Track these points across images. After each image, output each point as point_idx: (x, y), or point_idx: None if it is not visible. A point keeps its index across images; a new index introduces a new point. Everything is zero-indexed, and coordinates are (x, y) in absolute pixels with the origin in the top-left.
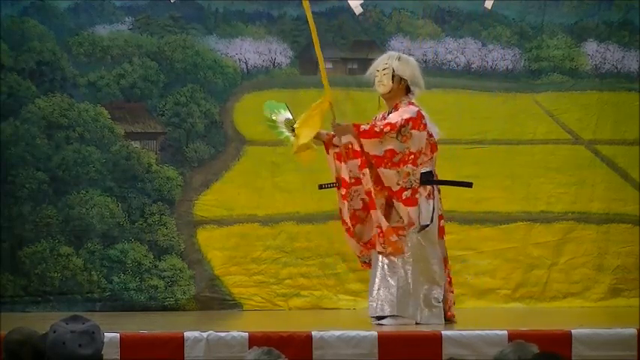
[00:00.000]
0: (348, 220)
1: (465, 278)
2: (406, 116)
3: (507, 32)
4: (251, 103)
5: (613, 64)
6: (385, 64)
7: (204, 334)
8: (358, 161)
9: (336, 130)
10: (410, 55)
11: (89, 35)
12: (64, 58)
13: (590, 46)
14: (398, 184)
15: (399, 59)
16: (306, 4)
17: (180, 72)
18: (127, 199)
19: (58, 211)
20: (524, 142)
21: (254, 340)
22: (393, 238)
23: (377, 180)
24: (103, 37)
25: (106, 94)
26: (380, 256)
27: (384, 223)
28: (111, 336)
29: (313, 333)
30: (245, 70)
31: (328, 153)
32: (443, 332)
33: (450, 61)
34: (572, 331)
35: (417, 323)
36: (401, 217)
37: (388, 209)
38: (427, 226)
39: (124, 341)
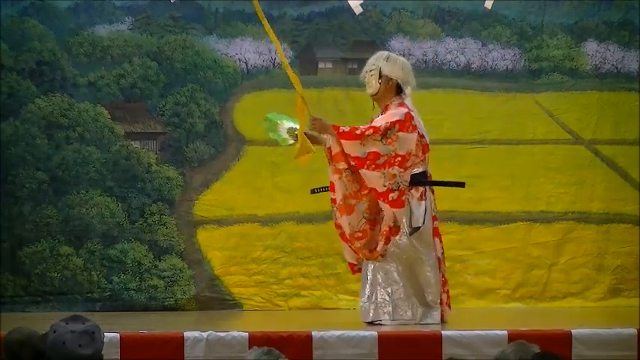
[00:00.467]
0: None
1: (464, 278)
2: (392, 119)
3: (507, 32)
4: (251, 103)
5: (613, 64)
6: (372, 65)
7: (204, 334)
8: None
9: (314, 125)
10: (410, 55)
11: (89, 35)
12: (64, 58)
13: (590, 46)
14: (384, 186)
15: (386, 59)
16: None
17: (180, 72)
18: (127, 199)
19: (58, 211)
20: (524, 142)
21: (254, 340)
22: (357, 244)
23: (362, 182)
24: (103, 37)
25: (106, 94)
26: (392, 259)
27: (346, 230)
28: (111, 336)
29: (313, 333)
30: (245, 70)
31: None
32: (443, 332)
33: (450, 61)
34: (572, 331)
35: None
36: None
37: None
38: (419, 228)
39: (124, 341)
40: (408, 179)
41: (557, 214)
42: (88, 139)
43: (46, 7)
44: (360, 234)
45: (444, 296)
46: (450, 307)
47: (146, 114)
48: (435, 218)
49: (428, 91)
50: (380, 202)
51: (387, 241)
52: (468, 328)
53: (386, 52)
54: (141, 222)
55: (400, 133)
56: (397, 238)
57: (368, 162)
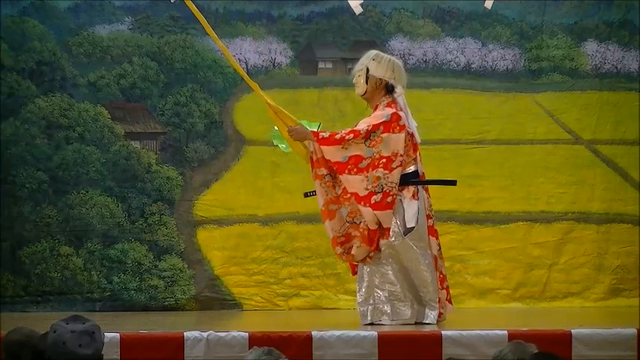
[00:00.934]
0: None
1: (464, 278)
2: (376, 122)
3: (507, 32)
4: (251, 103)
5: (613, 64)
6: (361, 65)
7: (204, 334)
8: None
9: (291, 135)
10: (410, 55)
11: (89, 35)
12: (64, 58)
13: (590, 46)
14: (366, 189)
15: (373, 59)
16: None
17: (180, 72)
18: (127, 199)
19: (58, 211)
20: (524, 142)
21: (254, 340)
22: (337, 250)
23: (343, 187)
24: (103, 37)
25: (106, 94)
26: (387, 260)
27: (330, 234)
28: (111, 336)
29: (313, 333)
30: (245, 70)
31: None
32: (443, 332)
33: (450, 61)
34: (572, 331)
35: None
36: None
37: None
38: (412, 228)
39: (124, 341)
40: (396, 180)
41: (557, 214)
42: (88, 139)
43: (46, 7)
44: (343, 238)
45: (444, 293)
46: (450, 302)
47: (146, 114)
48: (429, 216)
49: (428, 91)
50: (360, 206)
51: (370, 242)
52: (468, 328)
53: (374, 52)
54: (141, 222)
55: (384, 135)
56: (392, 239)
57: (349, 166)
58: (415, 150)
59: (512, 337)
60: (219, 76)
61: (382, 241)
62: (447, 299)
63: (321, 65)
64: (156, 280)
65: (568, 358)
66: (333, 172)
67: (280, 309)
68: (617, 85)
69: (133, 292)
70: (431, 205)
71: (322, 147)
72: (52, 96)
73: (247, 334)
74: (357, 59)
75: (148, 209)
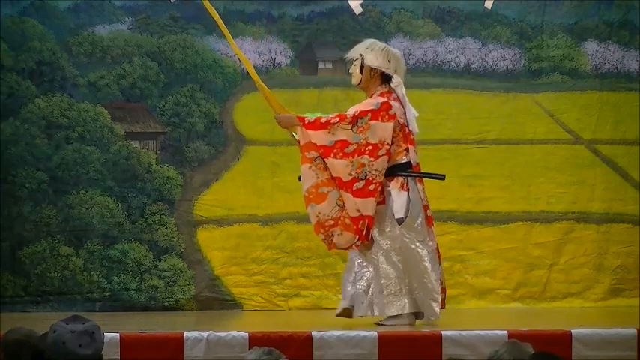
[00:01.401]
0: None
1: (464, 278)
2: (365, 108)
3: (507, 32)
4: (251, 103)
5: (613, 64)
6: (356, 54)
7: (204, 334)
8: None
9: (279, 123)
10: (410, 55)
11: (89, 35)
12: (64, 58)
13: (590, 46)
14: (350, 175)
15: (369, 48)
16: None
17: (180, 72)
18: (127, 199)
19: (58, 211)
20: (524, 142)
21: (254, 340)
22: (320, 235)
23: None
24: (103, 37)
25: (106, 94)
26: (353, 253)
27: (313, 220)
28: (111, 336)
29: (313, 333)
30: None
31: None
32: (443, 332)
33: (450, 61)
34: (572, 331)
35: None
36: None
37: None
38: (403, 218)
39: (124, 341)
40: (380, 168)
41: (557, 214)
42: (88, 139)
43: (46, 7)
44: (332, 222)
45: (442, 294)
46: (444, 305)
47: (146, 114)
48: (426, 207)
49: (428, 91)
50: (342, 192)
51: (351, 230)
52: (468, 328)
53: (370, 41)
54: (141, 222)
55: (372, 122)
56: (384, 230)
57: (335, 150)
58: (407, 141)
59: (512, 337)
60: (219, 76)
61: (373, 231)
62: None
63: (321, 65)
64: (156, 280)
65: (568, 358)
66: (320, 155)
67: (280, 309)
68: (617, 85)
69: (133, 292)
70: (425, 196)
71: (309, 131)
72: (52, 96)
73: (247, 334)
74: None
75: (148, 209)
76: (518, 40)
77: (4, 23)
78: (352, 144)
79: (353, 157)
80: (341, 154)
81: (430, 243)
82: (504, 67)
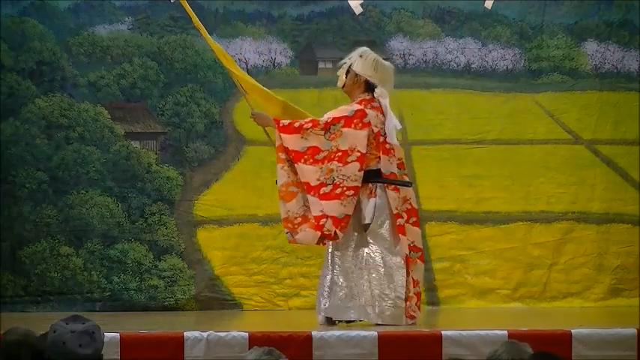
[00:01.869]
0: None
1: (464, 278)
2: (338, 115)
3: (507, 32)
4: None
5: (613, 64)
6: (347, 59)
7: (204, 334)
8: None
9: (255, 120)
10: (410, 55)
11: (89, 35)
12: (64, 58)
13: (590, 46)
14: (318, 180)
15: (360, 56)
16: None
17: (180, 72)
18: (127, 199)
19: (58, 211)
20: (524, 142)
21: (254, 340)
22: (285, 230)
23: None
24: (103, 37)
25: (106, 94)
26: (330, 256)
27: (282, 215)
28: (111, 336)
29: (313, 333)
30: (245, 70)
31: None
32: (443, 332)
33: (450, 61)
34: (572, 331)
35: (378, 324)
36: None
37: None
38: (368, 225)
39: (124, 341)
40: (348, 173)
41: (557, 214)
42: (88, 139)
43: (46, 7)
44: (300, 219)
45: (413, 297)
46: (419, 308)
47: (146, 114)
48: (398, 215)
49: (428, 91)
50: (309, 196)
51: (319, 228)
52: (468, 328)
53: (363, 49)
54: (141, 222)
55: (345, 129)
56: (352, 235)
57: (306, 156)
58: (380, 150)
59: (512, 337)
60: (219, 76)
61: (340, 234)
62: (416, 304)
63: (321, 65)
64: (156, 280)
65: (568, 358)
66: (291, 159)
67: (280, 309)
68: (617, 85)
69: (133, 292)
70: (404, 204)
71: (282, 135)
72: (52, 96)
73: (247, 334)
74: None
75: (148, 209)
76: (518, 40)
77: (4, 23)
78: (323, 151)
79: (322, 164)
80: (311, 160)
81: (397, 249)
82: (504, 67)
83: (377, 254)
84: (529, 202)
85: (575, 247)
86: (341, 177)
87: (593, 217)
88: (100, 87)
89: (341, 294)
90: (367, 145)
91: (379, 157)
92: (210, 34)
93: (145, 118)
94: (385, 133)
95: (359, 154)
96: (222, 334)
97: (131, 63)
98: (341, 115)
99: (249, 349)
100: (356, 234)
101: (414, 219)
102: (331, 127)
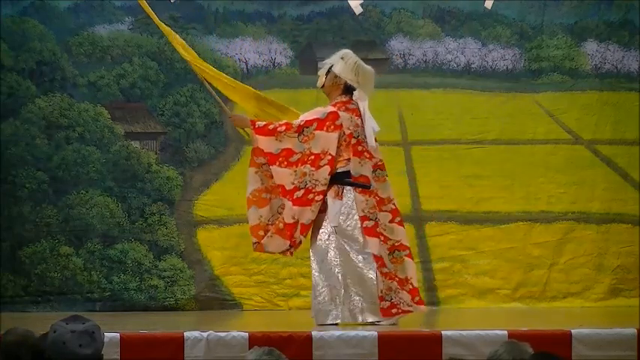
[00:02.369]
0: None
1: (464, 278)
2: (310, 117)
3: (507, 32)
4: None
5: (613, 64)
6: (329, 60)
7: (204, 334)
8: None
9: (233, 122)
10: (410, 55)
11: (89, 35)
12: (64, 58)
13: (590, 46)
14: (292, 184)
15: (341, 58)
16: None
17: (180, 72)
18: (127, 199)
19: (58, 211)
20: (524, 142)
21: (254, 340)
22: (253, 239)
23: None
24: (103, 37)
25: (106, 94)
26: (314, 261)
27: (252, 222)
28: (111, 336)
29: (313, 333)
30: (245, 70)
31: None
32: (443, 332)
33: (450, 61)
34: (572, 331)
35: (359, 323)
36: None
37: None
38: (335, 226)
39: (124, 341)
40: (321, 179)
41: (557, 214)
42: (88, 139)
43: (46, 7)
44: (271, 226)
45: (406, 295)
46: (422, 303)
47: (146, 114)
48: (366, 218)
49: (428, 91)
50: (285, 199)
51: (284, 235)
52: (468, 328)
53: (345, 51)
54: (141, 222)
55: (317, 132)
56: (325, 237)
57: (280, 159)
58: (351, 152)
59: (512, 337)
60: None
61: (312, 239)
62: (415, 302)
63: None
64: (156, 280)
65: (568, 358)
66: (267, 161)
67: (280, 309)
68: (617, 85)
69: (133, 292)
70: (375, 206)
71: (258, 136)
72: (52, 96)
73: (247, 334)
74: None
75: (148, 209)
76: (518, 40)
77: (4, 23)
78: (296, 153)
79: (296, 167)
80: (285, 163)
81: (367, 250)
82: (504, 67)
83: (351, 255)
84: (529, 202)
85: (575, 247)
86: (313, 182)
87: (593, 217)
88: (100, 87)
89: (320, 298)
90: (337, 148)
91: (348, 160)
92: (210, 34)
93: (145, 118)
94: (359, 136)
95: (330, 157)
96: (222, 334)
97: (131, 63)
98: (313, 118)
99: (249, 349)
100: (332, 236)
101: (399, 218)
102: (304, 129)
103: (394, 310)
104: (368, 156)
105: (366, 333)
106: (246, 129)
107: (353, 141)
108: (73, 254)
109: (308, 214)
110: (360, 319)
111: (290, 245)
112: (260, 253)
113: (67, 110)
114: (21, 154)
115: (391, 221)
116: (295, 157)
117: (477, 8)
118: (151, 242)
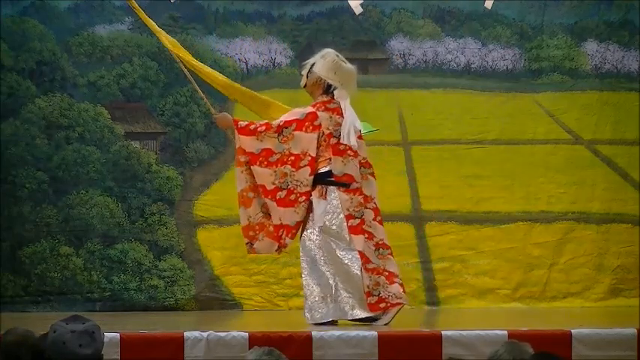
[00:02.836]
0: None
1: (464, 278)
2: (289, 118)
3: (507, 32)
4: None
5: (613, 64)
6: (311, 59)
7: (204, 334)
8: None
9: (217, 123)
10: (410, 55)
11: (89, 35)
12: (64, 58)
13: (590, 46)
14: (273, 184)
15: (322, 57)
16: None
17: (180, 72)
18: (127, 199)
19: (58, 211)
20: (524, 142)
21: (254, 340)
22: (245, 240)
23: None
24: (103, 37)
25: (106, 94)
26: (304, 261)
27: (243, 222)
28: (111, 336)
29: (313, 333)
30: (245, 70)
31: None
32: (443, 332)
33: (450, 61)
34: (572, 331)
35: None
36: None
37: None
38: (321, 226)
39: (124, 341)
40: (302, 179)
41: (557, 214)
42: (88, 139)
43: (46, 7)
44: (257, 227)
45: (396, 286)
46: (390, 306)
47: (146, 114)
48: (351, 216)
49: (428, 91)
50: (267, 200)
51: (274, 237)
52: (468, 328)
53: (326, 50)
54: (141, 222)
55: (296, 132)
56: (313, 237)
57: (260, 159)
58: (332, 151)
59: (512, 337)
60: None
61: (290, 242)
62: (400, 291)
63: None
64: (156, 280)
65: (568, 358)
66: (248, 161)
67: (280, 309)
68: (617, 85)
69: (133, 292)
70: (361, 204)
71: (240, 136)
72: (52, 96)
73: (247, 334)
74: (357, 59)
75: (148, 209)
76: (518, 40)
77: (4, 23)
78: (276, 153)
79: (276, 167)
80: (265, 163)
81: (354, 251)
82: (504, 67)
83: (337, 252)
84: (529, 202)
85: (575, 247)
86: (295, 182)
87: (593, 217)
88: (100, 87)
89: (312, 297)
90: (316, 148)
91: (329, 159)
92: (211, 34)
93: (145, 118)
94: (339, 135)
95: (310, 158)
96: (222, 334)
97: (131, 63)
98: (292, 119)
99: (249, 349)
100: (320, 236)
101: (379, 217)
102: (283, 130)
103: (382, 305)
104: (352, 154)
105: (366, 333)
106: (229, 130)
107: (333, 140)
108: (73, 254)
109: (292, 216)
110: (351, 315)
111: (278, 246)
112: None
113: (67, 110)
114: (21, 154)
115: (374, 219)
116: (275, 157)
117: (477, 8)
118: (151, 242)
